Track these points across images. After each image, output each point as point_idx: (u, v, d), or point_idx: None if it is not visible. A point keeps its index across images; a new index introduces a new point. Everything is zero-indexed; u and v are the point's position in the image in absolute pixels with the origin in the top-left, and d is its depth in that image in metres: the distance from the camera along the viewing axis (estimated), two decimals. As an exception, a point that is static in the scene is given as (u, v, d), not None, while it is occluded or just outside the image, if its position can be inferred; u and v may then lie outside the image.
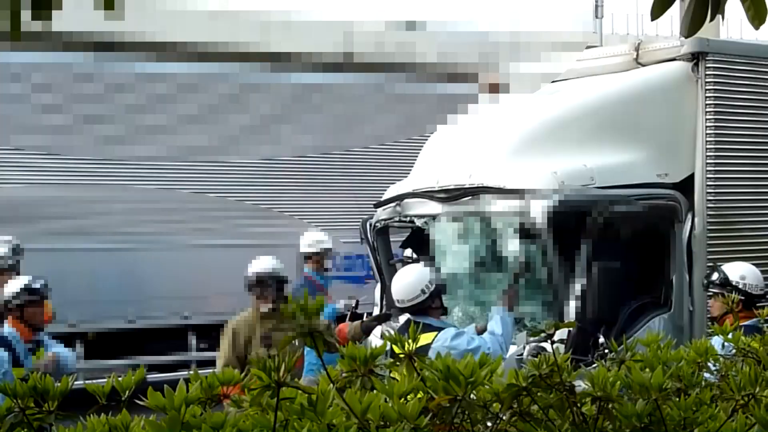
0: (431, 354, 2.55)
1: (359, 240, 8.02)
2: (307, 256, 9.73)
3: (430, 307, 5.92)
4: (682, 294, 6.99)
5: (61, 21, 2.93)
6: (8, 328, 6.60)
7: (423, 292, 5.86)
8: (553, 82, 7.84)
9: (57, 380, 2.20)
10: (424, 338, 5.39)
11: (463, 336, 5.84)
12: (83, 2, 3.44)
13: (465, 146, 7.44)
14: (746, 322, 5.04)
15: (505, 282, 6.91)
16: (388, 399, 2.19)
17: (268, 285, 6.96)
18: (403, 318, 6.29)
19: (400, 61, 12.41)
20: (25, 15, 2.71)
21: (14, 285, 6.83)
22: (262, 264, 7.10)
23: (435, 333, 5.72)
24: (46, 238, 10.61)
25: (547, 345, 2.48)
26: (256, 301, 6.99)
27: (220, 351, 7.03)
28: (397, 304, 6.02)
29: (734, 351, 3.18)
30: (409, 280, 5.96)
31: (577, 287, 6.53)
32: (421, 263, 6.79)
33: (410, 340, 2.45)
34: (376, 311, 7.93)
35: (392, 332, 2.76)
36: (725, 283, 6.09)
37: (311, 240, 9.85)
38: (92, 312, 11.19)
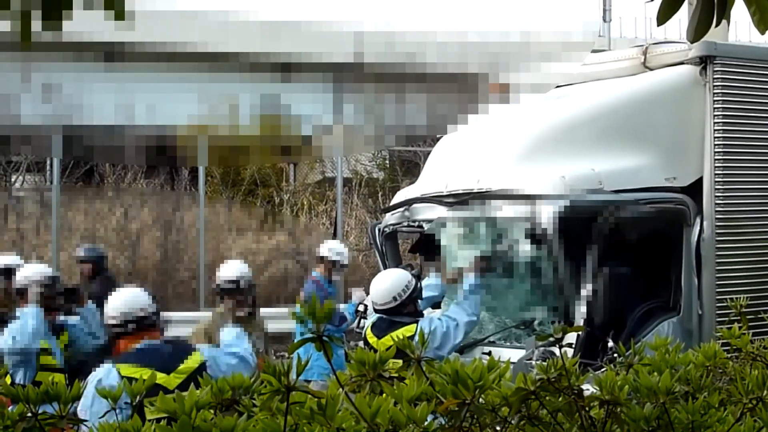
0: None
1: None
2: (321, 260, 10.03)
3: (401, 311, 6.40)
4: (690, 298, 6.96)
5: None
6: (31, 307, 6.64)
7: (395, 299, 6.38)
8: (559, 86, 7.82)
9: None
10: (407, 331, 6.15)
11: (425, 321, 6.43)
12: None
13: (473, 151, 7.44)
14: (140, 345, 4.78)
15: (513, 287, 6.95)
16: (397, 403, 2.20)
17: (242, 289, 6.95)
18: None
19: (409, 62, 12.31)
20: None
21: (29, 270, 6.86)
22: (234, 269, 7.07)
23: (413, 326, 6.24)
24: None
25: (555, 349, 2.49)
26: (231, 305, 6.87)
27: None
28: (372, 306, 6.54)
29: None
30: (385, 286, 6.45)
31: (586, 291, 6.53)
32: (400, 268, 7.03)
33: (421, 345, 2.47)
34: None
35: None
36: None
37: (331, 247, 10.30)
38: None
